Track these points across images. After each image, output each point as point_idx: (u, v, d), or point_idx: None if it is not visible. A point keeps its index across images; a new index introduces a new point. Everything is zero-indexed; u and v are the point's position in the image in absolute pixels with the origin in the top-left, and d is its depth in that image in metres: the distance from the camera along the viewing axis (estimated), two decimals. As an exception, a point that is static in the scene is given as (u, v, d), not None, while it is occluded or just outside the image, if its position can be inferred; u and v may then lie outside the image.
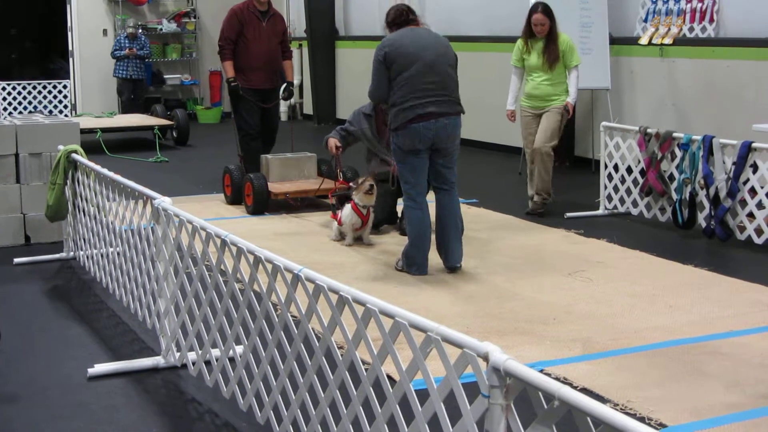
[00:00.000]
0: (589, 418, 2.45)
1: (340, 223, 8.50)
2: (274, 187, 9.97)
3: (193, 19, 20.09)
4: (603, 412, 2.38)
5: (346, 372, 3.64)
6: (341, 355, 3.65)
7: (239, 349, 4.60)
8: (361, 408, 3.56)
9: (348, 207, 8.36)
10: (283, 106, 15.38)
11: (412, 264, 7.38)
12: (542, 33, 9.59)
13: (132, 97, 18.03)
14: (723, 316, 6.38)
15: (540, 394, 2.63)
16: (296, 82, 18.49)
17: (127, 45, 17.80)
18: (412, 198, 7.37)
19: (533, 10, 9.71)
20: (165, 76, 19.68)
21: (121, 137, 16.09)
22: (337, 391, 3.72)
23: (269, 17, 10.66)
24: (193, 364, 5.10)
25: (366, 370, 3.51)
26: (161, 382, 5.28)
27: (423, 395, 3.16)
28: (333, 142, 9.15)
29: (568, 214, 9.65)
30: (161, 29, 19.61)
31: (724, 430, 4.59)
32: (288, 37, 11.12)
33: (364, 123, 9.13)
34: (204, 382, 4.96)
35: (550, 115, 9.67)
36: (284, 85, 10.95)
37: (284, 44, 10.92)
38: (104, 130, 14.98)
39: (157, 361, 5.47)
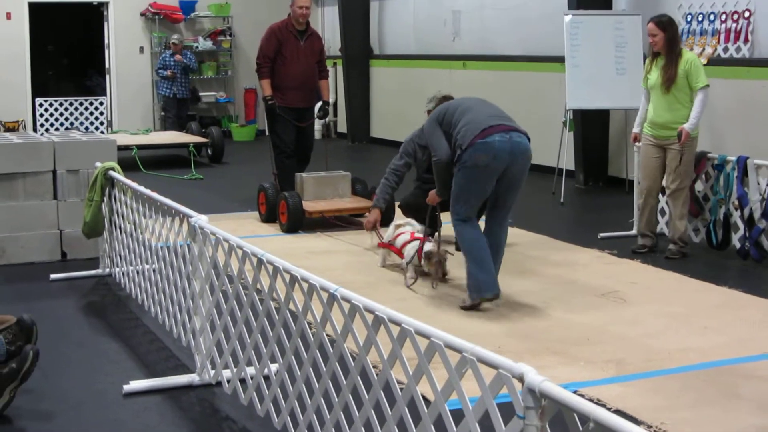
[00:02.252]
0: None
1: (398, 252, 8.03)
2: (309, 205, 10.00)
3: (228, 37, 20.24)
4: (638, 435, 2.39)
5: (381, 392, 3.66)
6: (376, 375, 3.68)
7: (274, 367, 4.63)
8: (395, 427, 3.58)
9: (414, 245, 7.84)
10: (318, 125, 15.45)
11: (481, 287, 6.90)
12: (656, 46, 8.60)
13: (178, 115, 18.19)
14: (758, 338, 6.36)
15: (575, 415, 2.64)
16: (331, 100, 18.59)
17: (171, 63, 17.95)
18: (463, 220, 7.01)
19: (649, 20, 8.79)
20: (200, 94, 19.82)
21: (157, 154, 16.21)
22: (372, 411, 3.74)
23: (307, 36, 10.74)
24: (228, 382, 5.13)
25: (401, 390, 3.53)
26: (195, 400, 5.32)
27: (458, 416, 3.18)
28: (374, 217, 8.64)
29: (602, 234, 9.63)
30: (197, 47, 19.76)
31: (759, 454, 4.59)
32: (324, 57, 11.23)
33: (420, 153, 8.73)
34: (238, 400, 4.99)
35: (673, 154, 8.64)
36: (320, 104, 11.02)
37: (321, 63, 11.00)
38: (140, 147, 15.10)
39: (191, 378, 5.51)
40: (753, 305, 7.22)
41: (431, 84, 16.85)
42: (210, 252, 5.24)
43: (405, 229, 8.19)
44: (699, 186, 9.02)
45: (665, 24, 8.57)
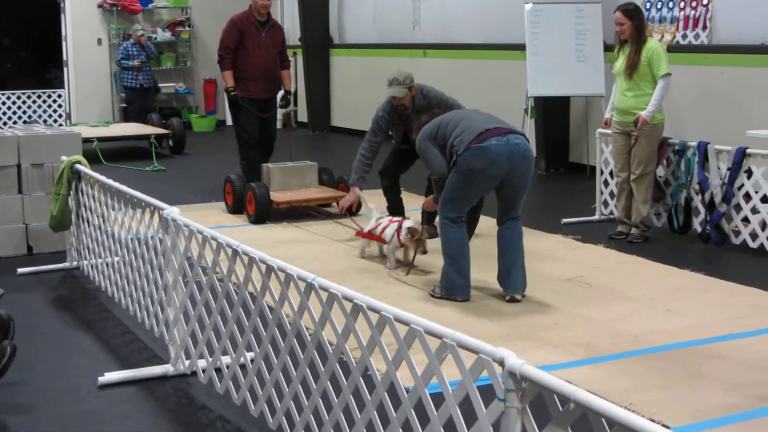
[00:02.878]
0: (603, 420, 2.55)
1: (379, 239, 8.08)
2: (276, 196, 10.03)
3: (187, 28, 20.18)
4: (617, 413, 2.47)
5: (360, 378, 3.73)
6: (355, 362, 3.74)
7: (250, 356, 4.68)
8: (375, 413, 3.64)
9: (393, 227, 7.93)
10: (279, 114, 15.46)
11: (453, 290, 6.94)
12: (623, 35, 8.71)
13: (142, 106, 18.10)
14: (720, 320, 6.49)
15: (555, 397, 2.72)
16: (292, 89, 18.59)
17: (135, 53, 17.85)
18: (452, 221, 6.92)
19: (616, 9, 8.87)
20: (159, 85, 19.74)
21: (117, 146, 16.12)
22: (351, 397, 3.80)
23: (269, 27, 10.81)
24: (203, 371, 5.18)
25: (380, 377, 3.59)
26: (171, 390, 5.36)
27: (438, 400, 3.25)
28: (353, 197, 8.84)
29: (565, 220, 9.75)
30: (156, 38, 19.67)
31: (724, 431, 4.69)
32: (286, 47, 11.29)
33: (388, 130, 8.97)
34: (214, 389, 5.05)
35: (640, 140, 8.79)
36: (281, 94, 11.10)
37: (282, 54, 11.05)
38: (100, 139, 15.02)
39: (166, 369, 5.55)
40: (714, 287, 7.36)
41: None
42: (183, 244, 5.27)
43: (383, 219, 8.22)
44: (660, 171, 9.14)
45: (632, 12, 8.68)
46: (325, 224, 9.67)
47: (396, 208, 9.14)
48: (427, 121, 7.23)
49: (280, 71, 11.02)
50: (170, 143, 16.10)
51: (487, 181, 6.76)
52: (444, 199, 6.91)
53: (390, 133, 9.07)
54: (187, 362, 5.43)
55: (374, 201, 8.67)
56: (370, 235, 8.22)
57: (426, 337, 3.27)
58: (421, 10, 16.47)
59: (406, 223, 7.80)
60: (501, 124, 6.87)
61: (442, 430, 3.24)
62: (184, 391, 5.34)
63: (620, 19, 8.69)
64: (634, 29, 8.66)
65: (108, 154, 14.92)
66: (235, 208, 10.31)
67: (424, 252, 7.84)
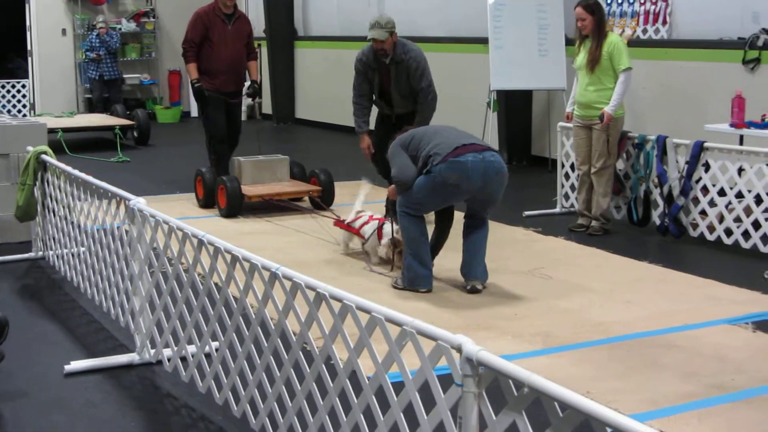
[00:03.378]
0: (556, 404, 2.65)
1: (357, 232, 8.01)
2: (248, 189, 9.97)
3: (152, 19, 20.15)
4: (570, 397, 2.59)
5: (323, 366, 3.82)
6: (318, 350, 3.83)
7: (215, 344, 4.75)
8: (337, 399, 3.73)
9: (373, 225, 7.88)
10: (243, 106, 15.50)
11: (415, 281, 7.01)
12: (584, 29, 8.85)
13: (107, 96, 18.06)
14: (678, 311, 6.63)
15: (511, 381, 2.82)
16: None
17: (97, 44, 17.83)
18: (412, 215, 6.98)
19: (577, 4, 9.02)
20: (124, 76, 19.72)
21: (82, 137, 16.10)
22: (314, 384, 3.89)
23: (235, 20, 10.75)
24: (168, 360, 5.25)
25: (342, 364, 3.68)
26: (137, 378, 5.43)
27: (399, 388, 3.35)
28: (366, 141, 9.18)
29: (526, 213, 9.87)
30: (120, 29, 19.62)
31: (681, 419, 4.82)
32: (253, 39, 11.25)
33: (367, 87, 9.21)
34: (179, 378, 5.12)
35: (597, 134, 8.94)
36: (248, 83, 11.06)
37: (249, 46, 11.02)
38: (65, 130, 15.00)
39: (132, 357, 5.62)
40: (672, 279, 7.50)
41: (357, 65, 16.97)
42: (149, 234, 5.34)
43: (365, 213, 8.11)
44: (620, 165, 9.27)
45: (593, 7, 8.81)
46: (294, 218, 9.71)
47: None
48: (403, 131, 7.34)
49: (245, 64, 10.98)
50: (135, 134, 16.08)
51: (457, 195, 6.86)
52: (408, 197, 6.91)
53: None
54: (152, 351, 5.50)
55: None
56: (348, 227, 8.14)
57: (387, 325, 3.36)
58: (385, 3, 16.54)
59: (387, 229, 7.66)
60: (476, 140, 6.96)
61: (401, 415, 3.34)
62: (150, 380, 5.42)
63: (582, 15, 8.82)
64: (595, 24, 8.79)
65: (72, 144, 14.91)
66: (206, 202, 10.22)
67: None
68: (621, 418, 2.42)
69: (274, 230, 9.29)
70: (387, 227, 7.68)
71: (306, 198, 10.32)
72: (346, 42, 17.58)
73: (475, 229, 7.11)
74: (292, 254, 8.19)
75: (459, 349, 2.96)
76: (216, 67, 10.62)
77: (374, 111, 9.45)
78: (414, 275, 7.02)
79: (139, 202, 5.47)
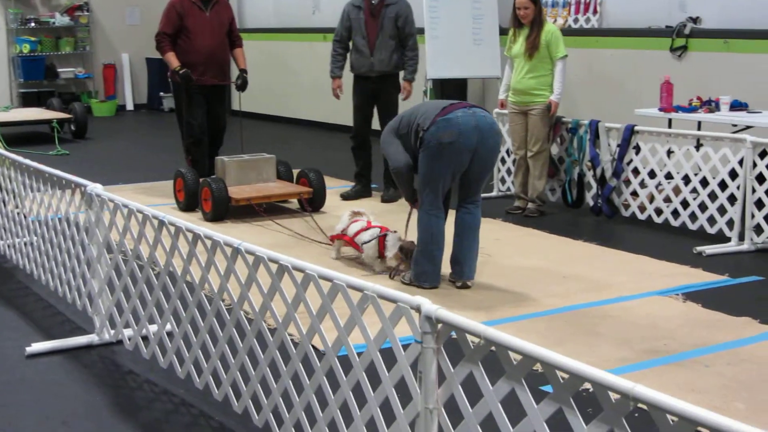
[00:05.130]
0: (510, 353, 2.91)
1: (352, 242, 7.47)
2: (234, 192, 9.25)
3: (86, 12, 20.07)
4: (522, 345, 2.84)
5: (286, 334, 4.03)
6: (281, 319, 4.03)
7: (176, 323, 4.93)
8: (301, 365, 3.95)
9: (371, 233, 7.36)
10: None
11: (422, 275, 6.90)
12: (526, 19, 9.08)
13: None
14: (612, 284, 6.97)
15: (467, 335, 3.08)
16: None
17: None
18: (434, 215, 6.80)
19: None
20: (58, 70, 19.67)
21: (18, 131, 16.04)
22: (277, 352, 4.10)
23: (213, 5, 9.98)
24: (129, 339, 5.42)
25: (305, 331, 3.90)
26: (97, 358, 5.61)
27: (364, 357, 3.58)
28: (337, 83, 10.19)
29: (465, 197, 10.12)
30: (54, 23, 19.57)
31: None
32: (236, 26, 10.45)
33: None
34: (139, 355, 5.31)
35: (534, 120, 9.25)
36: (238, 74, 10.24)
37: (233, 33, 10.23)
38: (1, 124, 14.96)
39: (91, 338, 5.79)
40: (606, 256, 7.85)
41: (293, 57, 17.21)
42: (108, 218, 5.50)
43: (361, 218, 7.60)
44: (554, 149, 9.59)
45: None
46: (282, 219, 9.23)
47: (365, 170, 10.20)
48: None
49: (228, 54, 10.22)
50: (72, 128, 16.07)
51: (457, 155, 6.56)
52: (421, 187, 6.80)
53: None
54: (112, 332, 5.68)
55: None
56: (343, 236, 7.58)
57: (349, 292, 3.60)
58: (321, -4, 16.73)
59: (392, 238, 7.22)
60: (468, 102, 6.97)
61: (364, 374, 3.57)
62: (110, 359, 5.60)
63: (525, 4, 9.06)
64: (536, 14, 9.09)
65: (9, 139, 14.84)
66: (188, 205, 9.47)
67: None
68: (569, 360, 2.68)
69: (260, 232, 8.87)
70: (391, 238, 7.22)
71: (294, 200, 9.79)
72: (281, 34, 17.76)
73: (470, 221, 6.93)
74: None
75: (418, 309, 3.20)
76: (194, 59, 9.81)
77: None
78: (420, 270, 6.91)
79: (96, 187, 5.62)
